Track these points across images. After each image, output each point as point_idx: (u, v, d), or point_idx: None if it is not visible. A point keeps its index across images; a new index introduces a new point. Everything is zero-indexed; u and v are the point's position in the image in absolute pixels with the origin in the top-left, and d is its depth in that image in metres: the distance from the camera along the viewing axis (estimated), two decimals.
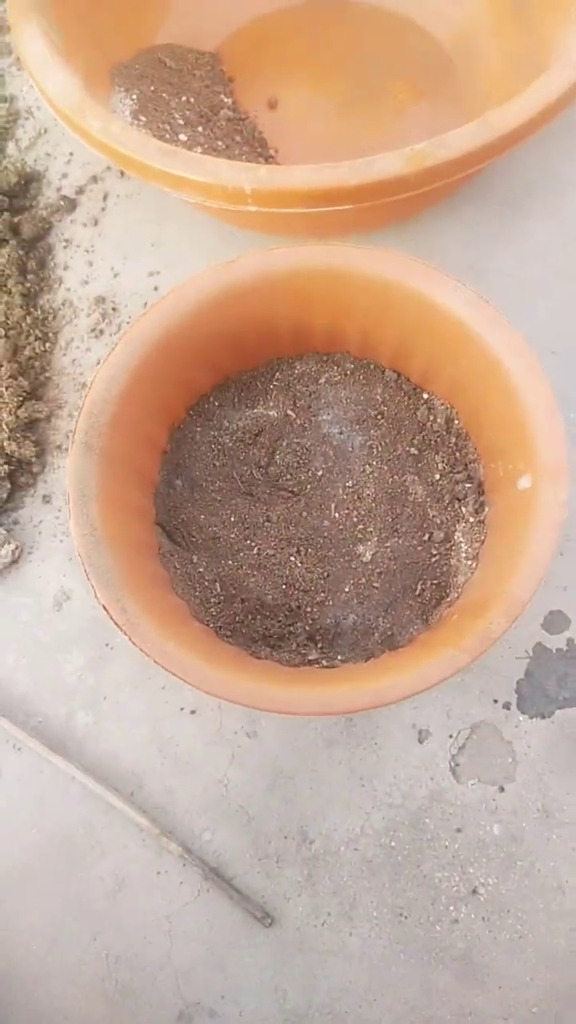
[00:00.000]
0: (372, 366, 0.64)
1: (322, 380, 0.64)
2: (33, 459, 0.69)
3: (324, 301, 0.57)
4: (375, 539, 0.59)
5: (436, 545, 0.59)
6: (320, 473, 0.62)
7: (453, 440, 0.61)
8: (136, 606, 0.49)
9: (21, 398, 0.70)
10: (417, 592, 0.58)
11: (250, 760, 0.61)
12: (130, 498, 0.56)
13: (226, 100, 0.78)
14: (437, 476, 0.60)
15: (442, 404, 0.61)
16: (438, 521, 0.59)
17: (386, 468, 0.61)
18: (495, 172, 0.74)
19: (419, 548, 0.59)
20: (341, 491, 0.61)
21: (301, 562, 0.59)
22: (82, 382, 0.72)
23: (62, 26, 0.68)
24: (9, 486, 0.68)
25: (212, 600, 0.58)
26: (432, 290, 0.54)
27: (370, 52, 0.79)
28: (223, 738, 0.61)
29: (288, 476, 0.62)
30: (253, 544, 0.60)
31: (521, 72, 0.69)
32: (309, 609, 0.58)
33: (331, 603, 0.58)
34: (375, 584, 0.58)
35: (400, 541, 0.59)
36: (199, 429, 0.63)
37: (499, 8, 0.75)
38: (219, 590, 0.58)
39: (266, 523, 0.61)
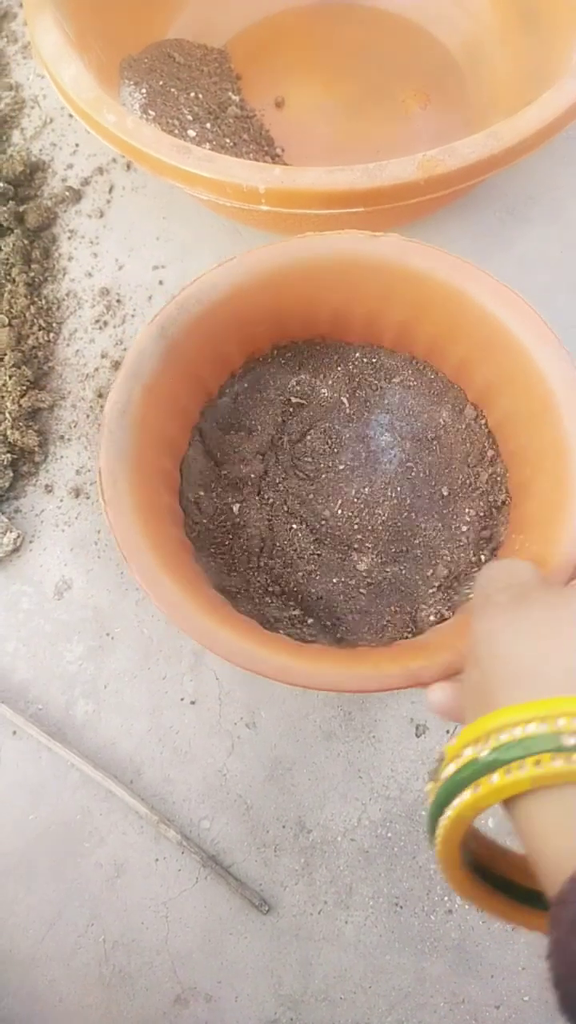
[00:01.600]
0: (444, 379, 0.62)
1: (396, 380, 0.63)
2: (36, 448, 0.69)
3: (367, 289, 0.57)
4: (371, 557, 0.59)
5: (439, 579, 0.58)
6: (342, 467, 0.61)
7: (492, 498, 0.59)
8: (161, 570, 0.49)
9: (24, 387, 0.70)
10: (397, 612, 0.57)
11: (249, 751, 0.62)
12: (160, 466, 0.56)
13: (234, 97, 0.79)
14: (463, 527, 0.59)
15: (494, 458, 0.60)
16: (447, 559, 0.58)
17: (407, 502, 0.59)
18: (497, 179, 0.75)
19: (418, 580, 0.58)
20: (353, 493, 0.60)
21: (302, 534, 0.59)
22: (85, 373, 0.72)
23: (75, 18, 0.69)
24: (11, 475, 0.69)
25: (228, 566, 0.58)
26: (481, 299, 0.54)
27: (378, 55, 0.80)
28: (223, 729, 0.62)
29: (309, 459, 0.61)
30: (264, 507, 0.60)
31: (529, 81, 0.71)
32: (304, 580, 0.58)
33: (320, 582, 0.58)
34: (362, 591, 0.58)
35: (399, 569, 0.58)
36: (245, 385, 0.63)
37: (508, 17, 0.76)
38: (237, 556, 0.58)
39: (276, 488, 0.61)
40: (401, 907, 0.58)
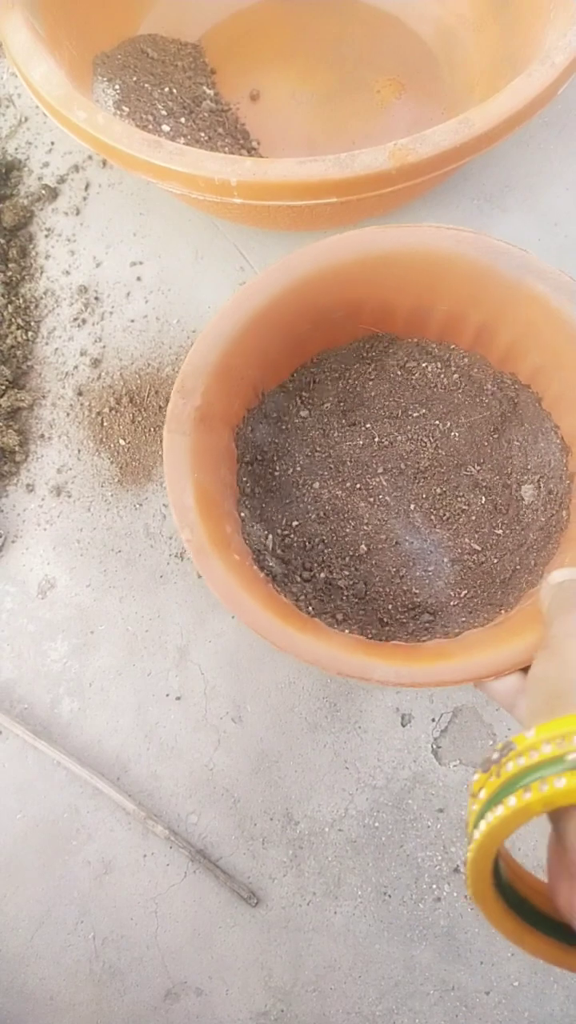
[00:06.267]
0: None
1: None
2: (16, 448, 0.69)
3: (413, 282, 0.57)
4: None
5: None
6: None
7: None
8: (209, 542, 0.48)
9: (3, 387, 0.70)
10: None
11: (236, 744, 0.62)
12: (219, 443, 0.56)
13: (208, 91, 0.79)
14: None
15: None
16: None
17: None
18: (474, 167, 0.75)
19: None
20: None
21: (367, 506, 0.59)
22: (65, 371, 0.72)
23: (46, 16, 0.68)
24: None
25: (273, 548, 0.57)
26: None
27: (353, 46, 0.80)
28: (208, 723, 0.62)
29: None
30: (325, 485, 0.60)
31: (503, 69, 0.71)
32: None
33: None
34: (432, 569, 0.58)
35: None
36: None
37: (480, 5, 0.76)
38: (283, 534, 0.58)
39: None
40: (389, 896, 0.58)
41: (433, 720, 0.61)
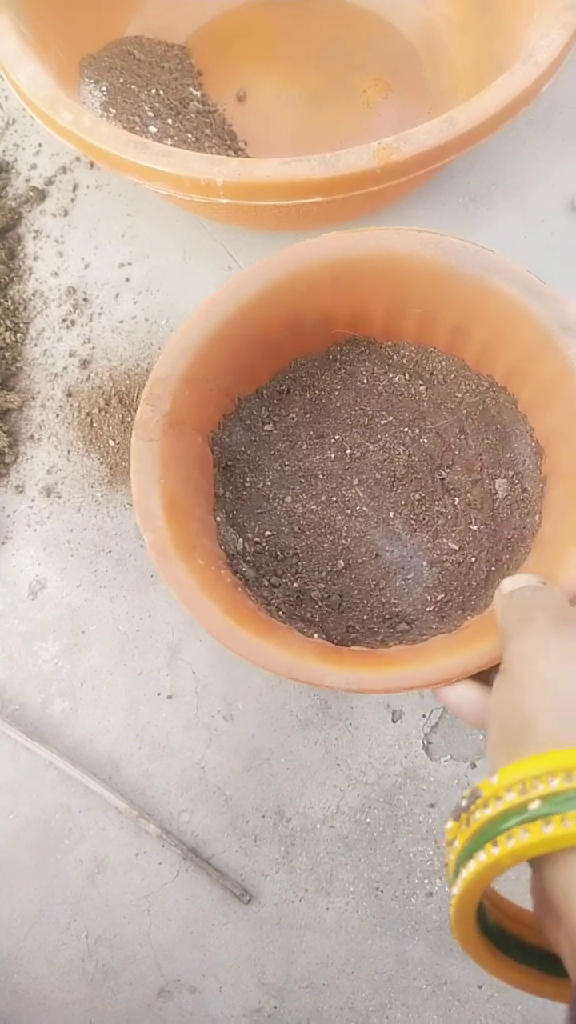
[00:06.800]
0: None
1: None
2: (6, 449, 0.69)
3: (383, 286, 0.57)
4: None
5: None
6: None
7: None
8: (172, 545, 0.49)
9: None
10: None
11: (227, 742, 0.62)
12: (191, 449, 0.56)
13: (195, 93, 0.79)
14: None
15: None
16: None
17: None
18: (460, 166, 0.76)
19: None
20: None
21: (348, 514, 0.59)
22: (54, 372, 0.72)
23: (33, 18, 0.69)
24: None
25: (243, 553, 0.57)
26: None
27: (338, 46, 0.80)
28: (200, 722, 0.62)
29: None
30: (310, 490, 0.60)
31: (487, 69, 0.71)
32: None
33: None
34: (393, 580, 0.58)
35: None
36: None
37: (465, 7, 0.77)
38: (255, 541, 0.58)
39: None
40: (381, 891, 0.58)
41: (424, 716, 0.62)
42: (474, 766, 0.60)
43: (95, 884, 0.60)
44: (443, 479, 0.59)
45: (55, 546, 0.67)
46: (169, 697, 0.63)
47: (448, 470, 0.59)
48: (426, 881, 0.58)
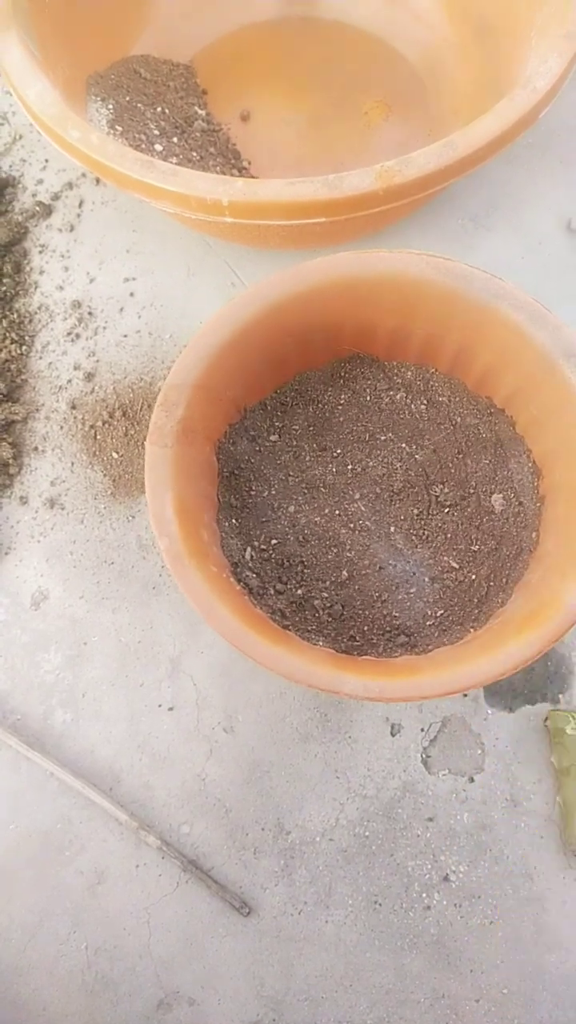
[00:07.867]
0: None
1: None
2: (10, 460, 0.70)
3: (390, 305, 0.58)
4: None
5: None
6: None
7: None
8: (187, 551, 0.50)
9: None
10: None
11: (227, 755, 0.62)
12: (200, 456, 0.57)
13: (200, 112, 0.80)
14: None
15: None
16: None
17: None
18: (460, 187, 0.77)
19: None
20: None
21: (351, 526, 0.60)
22: (58, 385, 0.73)
23: (41, 37, 0.70)
24: None
25: (249, 562, 0.58)
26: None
27: (341, 68, 0.81)
28: (201, 734, 0.63)
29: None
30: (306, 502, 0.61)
31: (486, 92, 0.73)
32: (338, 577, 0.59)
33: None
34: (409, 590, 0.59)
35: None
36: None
37: (463, 31, 0.78)
38: (261, 549, 0.59)
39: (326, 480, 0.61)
40: (380, 905, 0.59)
41: (422, 730, 0.62)
42: (472, 780, 0.61)
43: (95, 895, 0.60)
44: (436, 495, 0.60)
45: (58, 557, 0.68)
46: (170, 709, 0.64)
47: (441, 486, 0.61)
48: (424, 895, 0.59)
